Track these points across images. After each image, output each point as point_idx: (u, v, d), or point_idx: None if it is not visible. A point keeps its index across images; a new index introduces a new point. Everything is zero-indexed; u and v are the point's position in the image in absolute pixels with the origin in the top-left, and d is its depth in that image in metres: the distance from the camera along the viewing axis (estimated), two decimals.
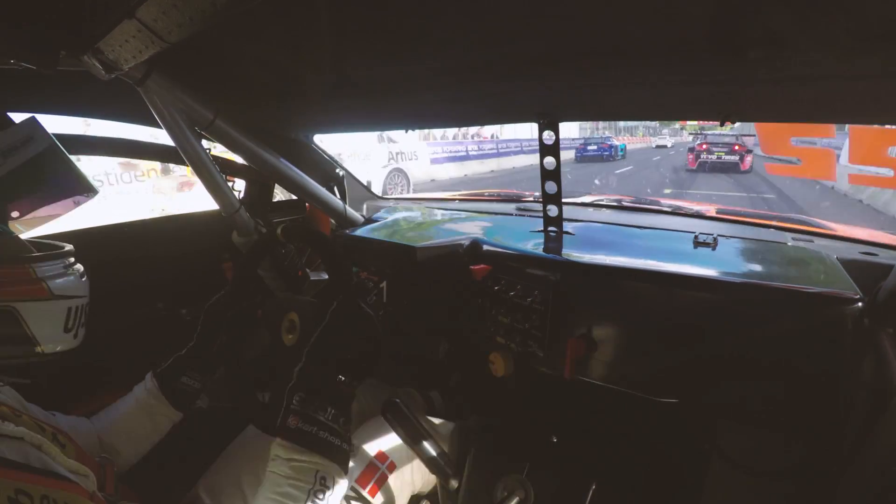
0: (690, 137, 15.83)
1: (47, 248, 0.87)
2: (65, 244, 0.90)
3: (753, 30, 0.63)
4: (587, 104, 1.01)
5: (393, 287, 1.25)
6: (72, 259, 0.87)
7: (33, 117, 0.83)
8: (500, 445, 1.36)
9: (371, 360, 0.76)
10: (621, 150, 19.15)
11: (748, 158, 12.66)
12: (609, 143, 18.82)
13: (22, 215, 0.85)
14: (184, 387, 0.91)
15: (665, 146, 26.36)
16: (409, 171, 10.93)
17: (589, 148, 18.16)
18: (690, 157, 13.86)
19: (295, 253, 1.43)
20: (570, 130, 22.44)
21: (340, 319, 0.73)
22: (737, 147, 12.91)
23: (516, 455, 1.38)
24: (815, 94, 0.74)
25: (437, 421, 1.31)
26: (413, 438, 0.98)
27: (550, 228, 1.34)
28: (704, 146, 13.45)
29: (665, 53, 0.73)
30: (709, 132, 14.53)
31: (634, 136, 27.38)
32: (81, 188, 0.91)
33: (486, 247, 1.24)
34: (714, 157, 13.18)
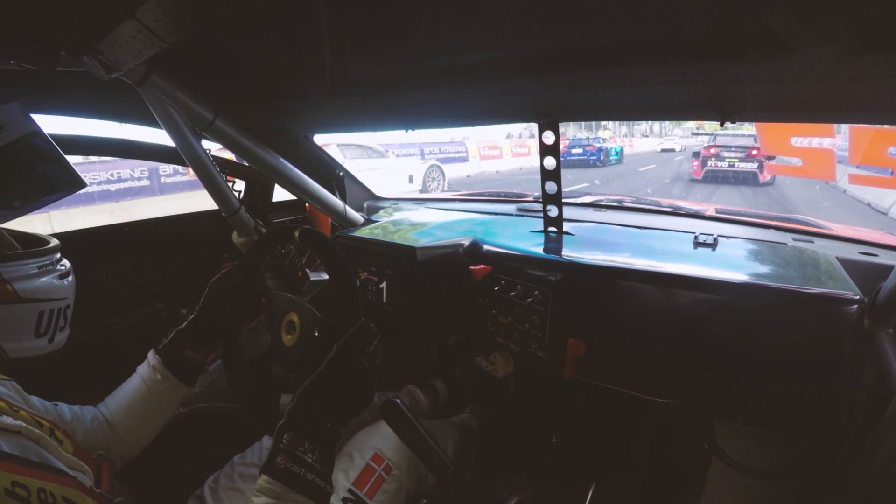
0: (705, 139, 12.16)
1: (31, 242, 0.81)
2: (50, 240, 0.84)
3: (753, 30, 0.63)
4: (587, 104, 1.01)
5: (393, 287, 1.25)
6: (54, 257, 0.81)
7: (17, 103, 0.74)
8: (501, 445, 1.37)
9: (360, 409, 0.75)
10: (615, 153, 15.86)
11: (767, 168, 9.87)
12: (597, 145, 15.27)
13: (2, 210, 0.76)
14: (187, 360, 0.91)
15: (672, 150, 22.44)
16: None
17: (573, 151, 14.78)
18: (695, 163, 10.96)
19: (295, 253, 1.43)
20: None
21: (336, 371, 0.73)
22: (754, 152, 10.03)
23: (516, 455, 1.39)
24: (815, 94, 0.74)
25: (437, 421, 1.31)
26: (413, 439, 0.98)
27: (550, 229, 1.34)
28: (713, 150, 10.58)
29: (665, 53, 0.73)
30: (724, 133, 11.37)
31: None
32: (67, 182, 0.83)
33: (486, 247, 1.24)
34: (725, 164, 10.29)
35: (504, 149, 15.54)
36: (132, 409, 0.87)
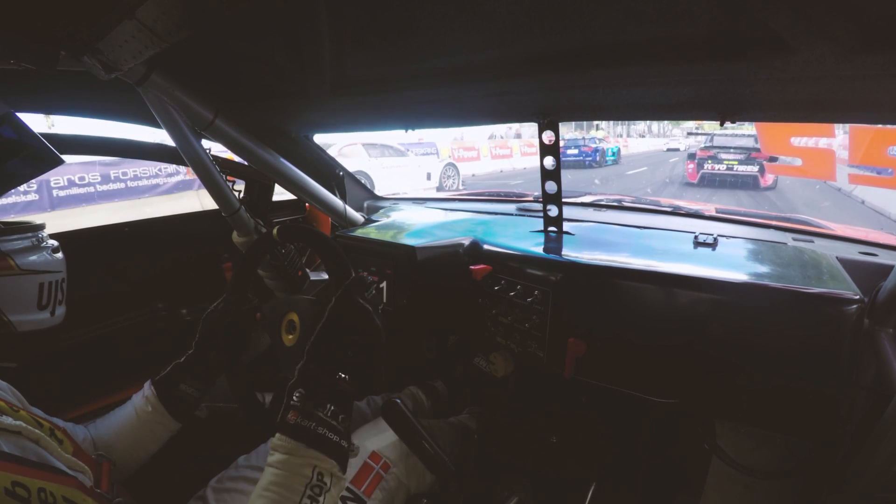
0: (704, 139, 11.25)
1: (15, 225, 0.84)
2: (33, 221, 0.87)
3: (753, 29, 0.63)
4: (587, 104, 1.01)
5: (393, 287, 1.25)
6: (42, 234, 0.85)
7: None
8: (500, 445, 1.36)
9: (372, 356, 0.74)
10: (612, 154, 15.57)
11: (770, 172, 9.24)
12: (593, 146, 14.86)
13: None
14: (182, 395, 0.90)
15: (677, 149, 21.43)
16: None
17: (568, 152, 14.34)
18: (690, 166, 10.32)
19: (295, 253, 1.43)
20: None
21: (339, 316, 0.73)
22: (755, 153, 9.24)
23: (516, 455, 1.39)
24: (815, 94, 0.74)
25: (436, 421, 1.31)
26: (413, 439, 0.98)
27: (550, 228, 1.34)
28: (710, 151, 9.99)
29: (665, 53, 0.73)
30: (723, 133, 10.53)
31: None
32: (45, 159, 0.84)
33: (486, 247, 1.24)
34: (723, 166, 9.61)
35: (482, 150, 14.52)
36: (119, 436, 0.86)
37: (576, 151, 14.65)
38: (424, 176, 10.26)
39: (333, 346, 0.71)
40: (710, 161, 9.88)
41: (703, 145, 10.72)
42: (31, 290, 0.80)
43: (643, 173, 13.93)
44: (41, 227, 0.86)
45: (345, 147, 9.03)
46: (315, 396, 0.65)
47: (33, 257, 0.81)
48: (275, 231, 0.92)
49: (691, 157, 10.67)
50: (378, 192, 1.92)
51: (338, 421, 0.66)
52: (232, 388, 0.94)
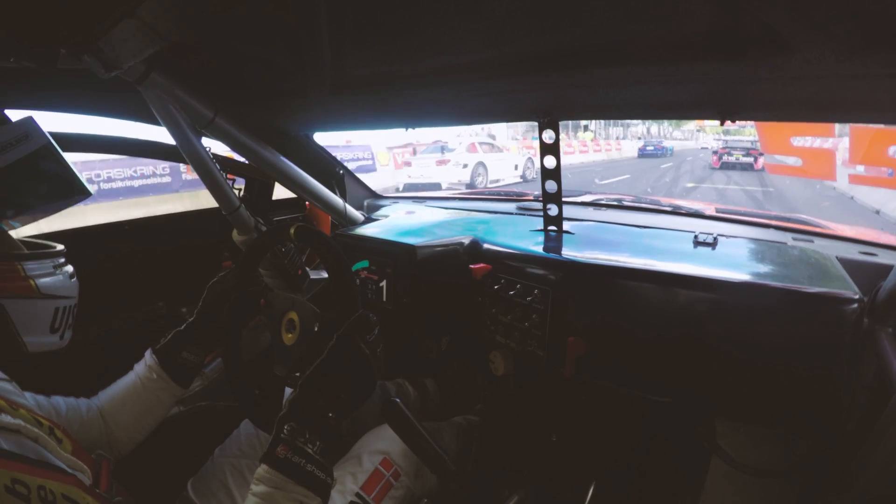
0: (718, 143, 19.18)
1: (38, 247, 0.86)
2: (56, 244, 0.89)
3: (754, 29, 0.63)
4: (588, 103, 1.01)
5: (392, 286, 1.25)
6: (62, 259, 0.86)
7: (30, 116, 0.81)
8: (501, 445, 1.37)
9: (363, 399, 0.75)
10: (670, 150, 24.49)
11: (761, 160, 15.40)
12: (662, 145, 25.04)
13: (17, 215, 0.82)
14: (184, 361, 0.92)
15: (707, 147, 27.99)
16: None
17: (647, 148, 24.15)
18: (714, 158, 16.95)
19: (295, 252, 1.43)
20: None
21: (337, 359, 0.73)
22: (752, 150, 15.98)
23: (516, 455, 1.39)
24: (815, 94, 0.74)
25: (437, 422, 1.31)
26: (413, 439, 0.98)
27: (550, 228, 1.34)
28: (726, 149, 16.69)
29: (665, 52, 0.73)
30: (729, 137, 17.41)
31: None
32: (76, 190, 0.88)
33: (485, 245, 1.24)
34: (733, 158, 16.10)
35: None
36: (125, 405, 0.88)
37: (651, 148, 23.85)
38: (512, 166, 12.33)
39: (329, 386, 0.71)
40: (726, 155, 16.34)
41: (721, 145, 17.51)
42: (46, 313, 0.81)
43: (623, 182, 13.33)
44: (62, 252, 0.87)
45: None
46: (305, 432, 0.65)
47: (54, 282, 0.82)
48: (292, 230, 0.90)
49: (714, 152, 17.32)
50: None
51: (325, 458, 0.66)
52: (233, 387, 0.94)
